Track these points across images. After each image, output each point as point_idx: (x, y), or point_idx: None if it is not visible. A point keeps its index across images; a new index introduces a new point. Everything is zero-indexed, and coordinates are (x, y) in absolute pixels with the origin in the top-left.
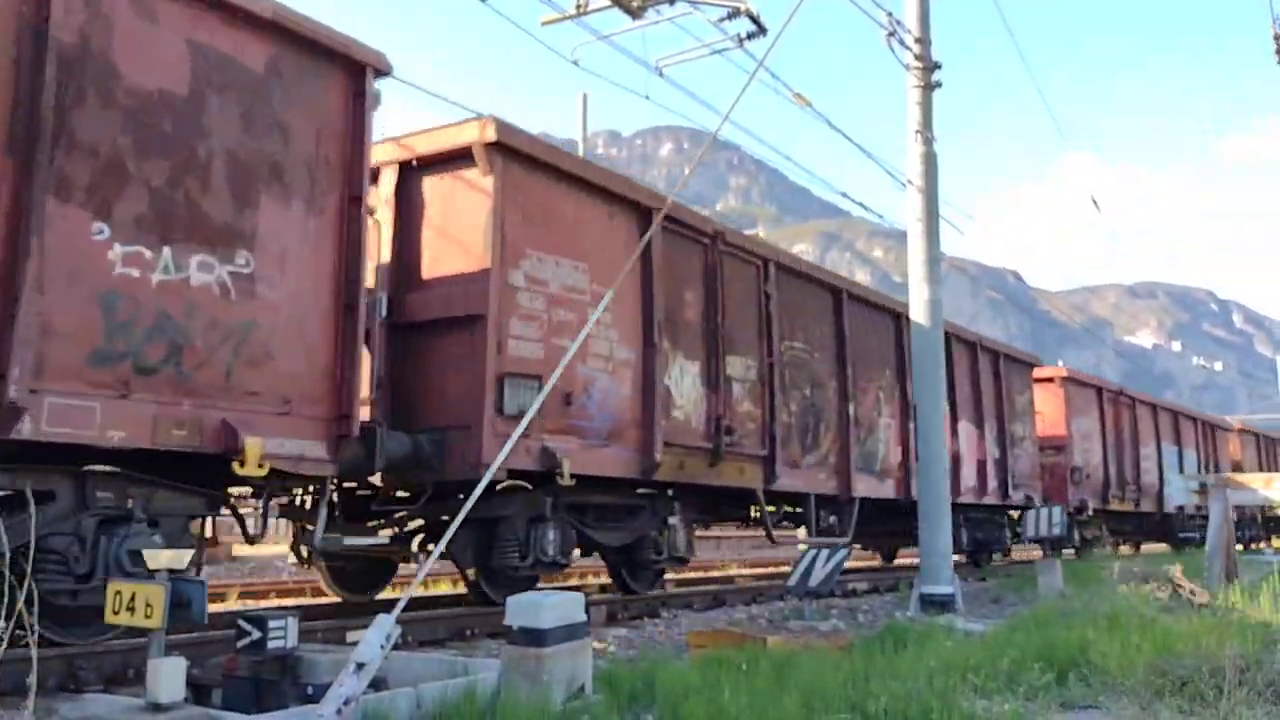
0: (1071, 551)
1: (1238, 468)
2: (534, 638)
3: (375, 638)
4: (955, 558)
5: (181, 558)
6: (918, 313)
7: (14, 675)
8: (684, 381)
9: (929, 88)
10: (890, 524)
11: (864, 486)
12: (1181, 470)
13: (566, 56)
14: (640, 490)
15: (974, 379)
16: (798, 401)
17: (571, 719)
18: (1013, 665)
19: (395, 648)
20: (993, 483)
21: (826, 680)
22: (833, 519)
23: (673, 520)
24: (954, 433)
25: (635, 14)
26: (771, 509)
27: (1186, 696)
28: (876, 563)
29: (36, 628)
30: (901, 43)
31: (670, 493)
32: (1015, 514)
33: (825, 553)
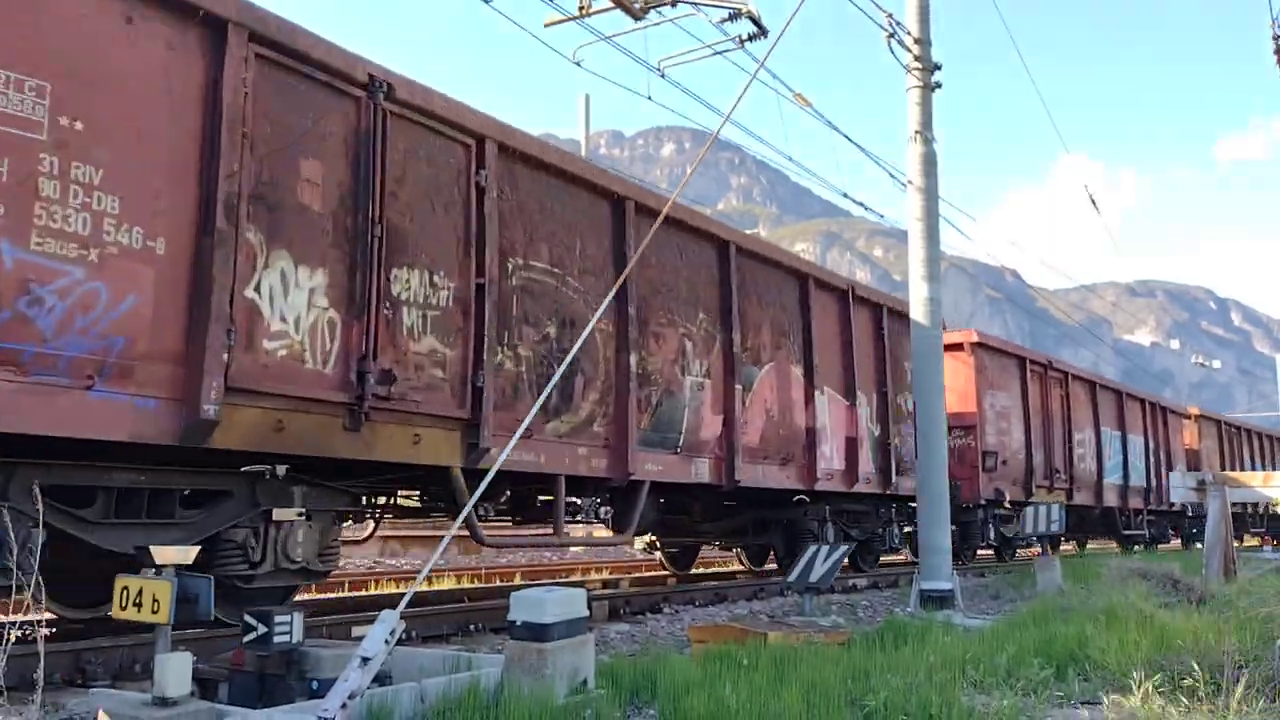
0: (990, 552)
1: (1193, 457)
2: (537, 632)
3: (380, 633)
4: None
5: (188, 554)
6: (917, 311)
7: (21, 670)
8: (293, 297)
9: (929, 88)
10: (731, 519)
11: (657, 467)
12: (1125, 458)
13: (569, 57)
14: (252, 466)
15: (845, 337)
16: (535, 344)
17: (574, 713)
18: (1011, 661)
19: (400, 643)
20: (868, 466)
21: (826, 675)
22: (607, 510)
23: (285, 514)
24: (810, 401)
25: (637, 15)
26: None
27: (1185, 692)
28: (742, 568)
29: (44, 622)
30: (901, 44)
31: (283, 471)
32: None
33: (825, 548)
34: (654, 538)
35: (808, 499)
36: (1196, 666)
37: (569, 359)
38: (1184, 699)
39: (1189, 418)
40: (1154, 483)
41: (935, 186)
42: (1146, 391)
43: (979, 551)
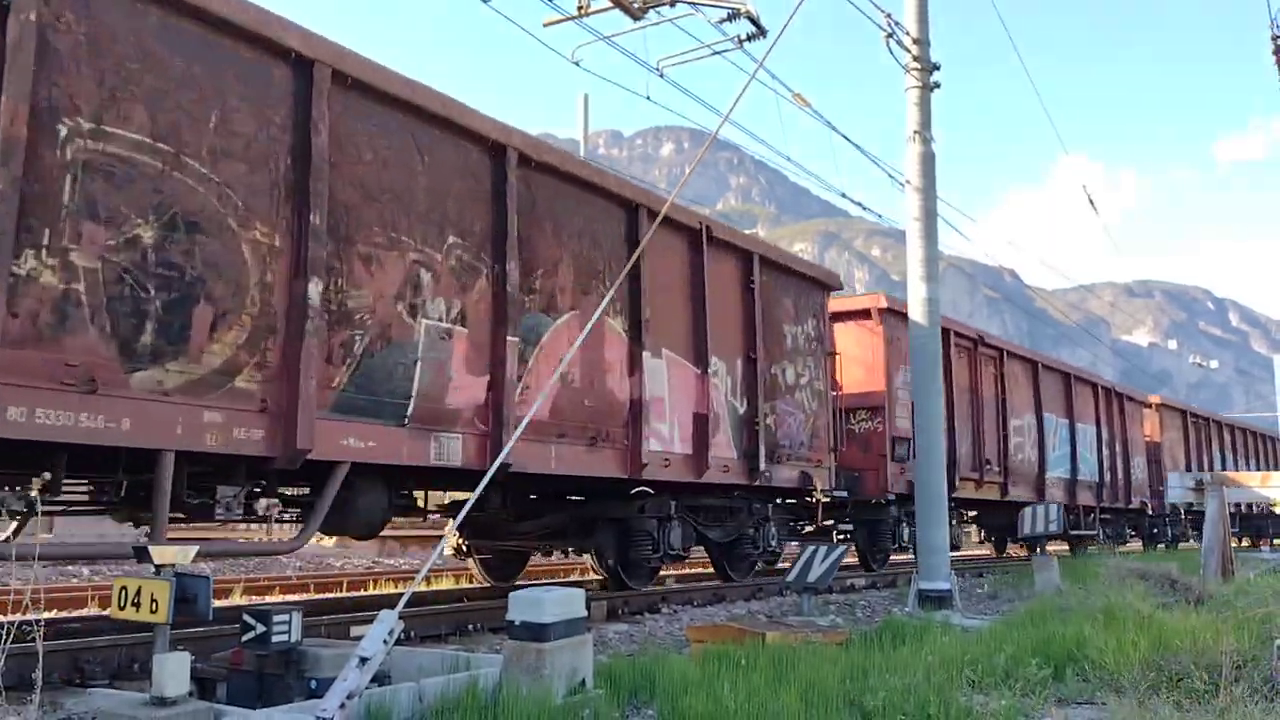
0: (909, 555)
1: (1154, 449)
2: (535, 632)
3: (378, 633)
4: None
5: (187, 554)
6: (916, 312)
7: (20, 670)
8: None
9: (927, 88)
10: (552, 516)
11: (365, 443)
12: (1073, 449)
13: (568, 57)
14: None
15: (695, 289)
16: (110, 251)
17: (572, 713)
18: (1009, 661)
19: (398, 643)
20: (726, 451)
21: (825, 675)
22: (272, 503)
23: None
24: (636, 366)
25: (636, 15)
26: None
27: (1183, 692)
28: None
29: (42, 622)
30: (900, 44)
31: None
32: (812, 500)
33: (824, 548)
34: (462, 540)
35: (650, 491)
36: (1194, 667)
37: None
38: (1182, 699)
39: (1149, 406)
40: (1108, 477)
41: (934, 187)
42: (1100, 375)
43: (890, 555)
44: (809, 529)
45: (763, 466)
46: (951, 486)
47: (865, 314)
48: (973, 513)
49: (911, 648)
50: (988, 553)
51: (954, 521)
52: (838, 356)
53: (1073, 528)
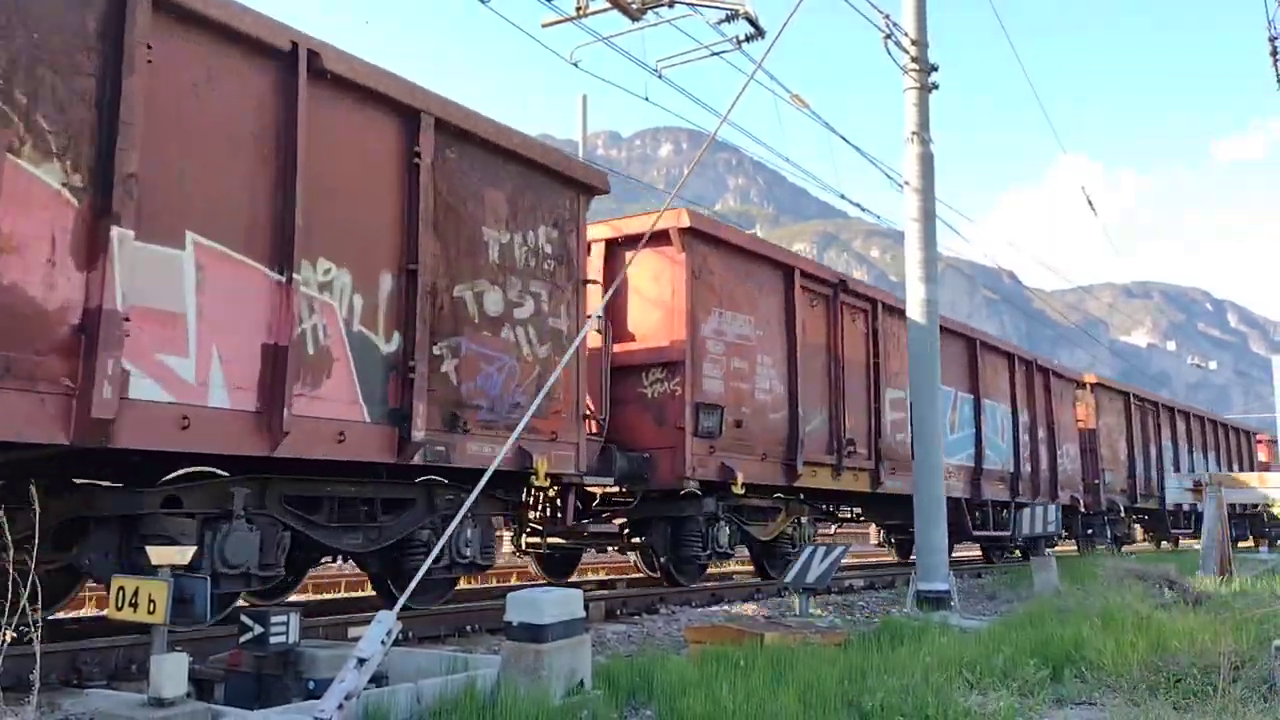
0: (708, 564)
1: (1089, 437)
2: (534, 633)
3: (376, 634)
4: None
5: (185, 554)
6: (914, 312)
7: (18, 670)
8: None
9: (925, 89)
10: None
11: None
12: (979, 431)
13: (567, 58)
14: None
15: (278, 145)
16: None
17: (570, 714)
18: (1008, 661)
19: (396, 644)
20: (345, 410)
21: (823, 676)
22: None
23: None
24: (92, 248)
25: (634, 16)
26: None
27: (1181, 693)
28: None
29: (40, 623)
30: (898, 45)
31: None
32: (549, 489)
33: (822, 549)
34: None
35: (223, 472)
36: (1193, 668)
37: None
38: (1180, 700)
39: (1084, 386)
40: (1028, 468)
41: (932, 187)
42: (1017, 346)
43: (707, 566)
44: (593, 527)
45: (421, 435)
46: (792, 472)
47: (662, 238)
48: (857, 509)
49: (910, 648)
50: (890, 559)
51: (803, 519)
52: (597, 286)
53: (979, 527)
